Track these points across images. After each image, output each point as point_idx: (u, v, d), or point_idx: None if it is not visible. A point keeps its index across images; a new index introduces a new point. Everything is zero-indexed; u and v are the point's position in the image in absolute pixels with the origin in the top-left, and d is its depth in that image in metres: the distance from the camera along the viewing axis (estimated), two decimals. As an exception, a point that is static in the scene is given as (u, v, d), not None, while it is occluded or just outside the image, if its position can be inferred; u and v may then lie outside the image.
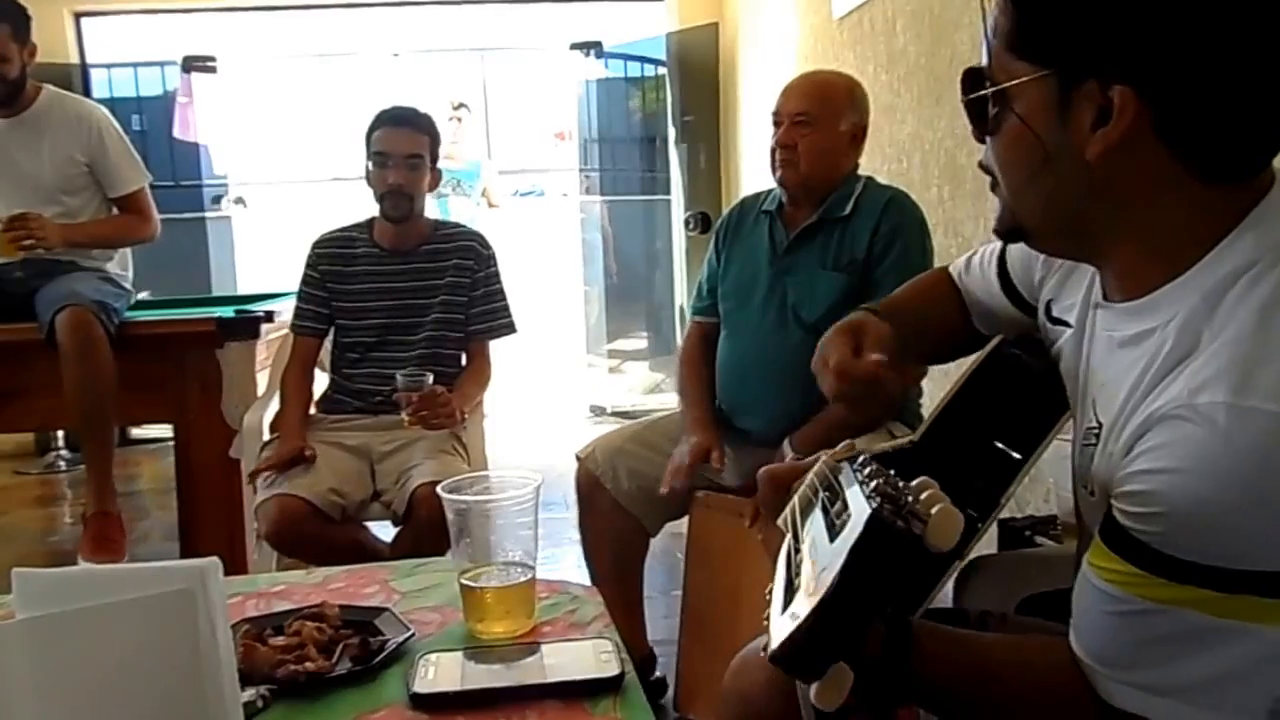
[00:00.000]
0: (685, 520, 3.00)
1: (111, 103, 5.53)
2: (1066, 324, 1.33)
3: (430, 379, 2.99)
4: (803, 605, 0.92)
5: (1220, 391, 0.97)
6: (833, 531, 0.96)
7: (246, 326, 3.57)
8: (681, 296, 7.20)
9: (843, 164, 2.88)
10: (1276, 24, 1.02)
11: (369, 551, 2.90)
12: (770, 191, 3.00)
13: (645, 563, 3.07)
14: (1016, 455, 1.41)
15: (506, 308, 3.37)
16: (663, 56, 7.27)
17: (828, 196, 2.84)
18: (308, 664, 1.40)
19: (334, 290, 3.29)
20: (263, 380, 3.65)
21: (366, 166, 3.27)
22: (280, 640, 1.47)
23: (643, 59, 7.57)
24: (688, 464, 2.77)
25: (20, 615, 1.06)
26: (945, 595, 1.55)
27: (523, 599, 1.56)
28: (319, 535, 2.86)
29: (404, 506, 2.87)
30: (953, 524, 0.94)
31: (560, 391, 7.72)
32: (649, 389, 7.68)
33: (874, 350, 1.48)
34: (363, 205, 3.33)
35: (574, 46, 7.48)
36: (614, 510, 2.92)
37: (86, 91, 6.80)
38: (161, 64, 7.65)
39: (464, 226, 3.50)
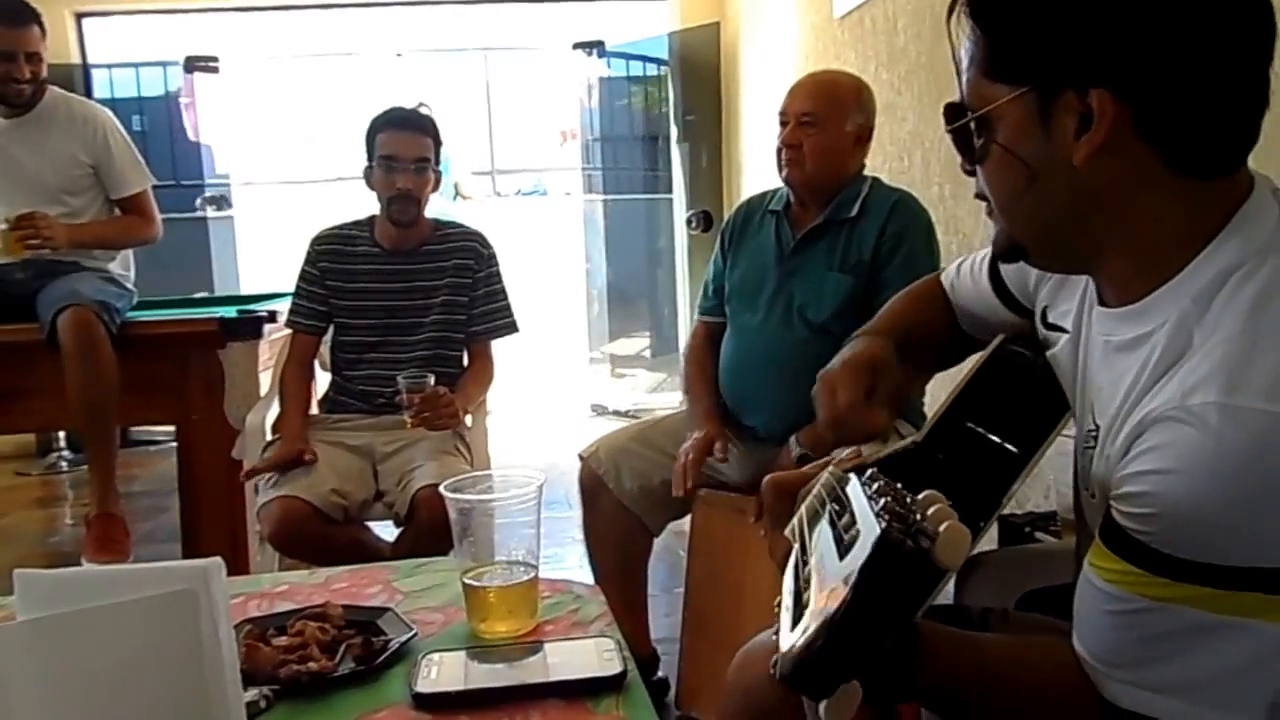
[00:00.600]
0: (688, 518, 3.00)
1: (113, 103, 5.55)
2: (1063, 329, 1.34)
3: (432, 380, 2.99)
4: (813, 624, 0.93)
5: (1211, 392, 0.99)
6: (841, 547, 0.96)
7: (249, 326, 3.57)
8: (684, 295, 7.20)
9: (848, 164, 2.88)
10: (1240, 13, 1.05)
11: (371, 552, 2.90)
12: (776, 191, 3.00)
13: (649, 562, 3.07)
14: (1019, 453, 1.41)
15: (508, 307, 3.36)
16: (665, 56, 7.26)
17: (834, 197, 2.85)
18: (310, 664, 1.40)
19: (333, 288, 3.28)
20: (265, 380, 3.64)
21: (367, 167, 3.27)
22: (283, 640, 1.47)
23: (645, 58, 7.57)
24: (693, 458, 2.77)
25: (22, 616, 1.06)
26: (946, 592, 1.55)
27: (525, 598, 1.56)
28: (321, 536, 2.86)
29: (406, 508, 2.86)
30: (961, 541, 0.95)
31: (562, 390, 7.72)
32: (651, 388, 7.68)
33: (885, 400, 1.50)
34: (365, 205, 3.33)
35: (576, 46, 7.47)
36: (617, 510, 2.92)
37: (88, 92, 6.81)
38: (163, 64, 7.66)
39: (464, 226, 3.49)
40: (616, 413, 7.19)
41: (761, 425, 2.84)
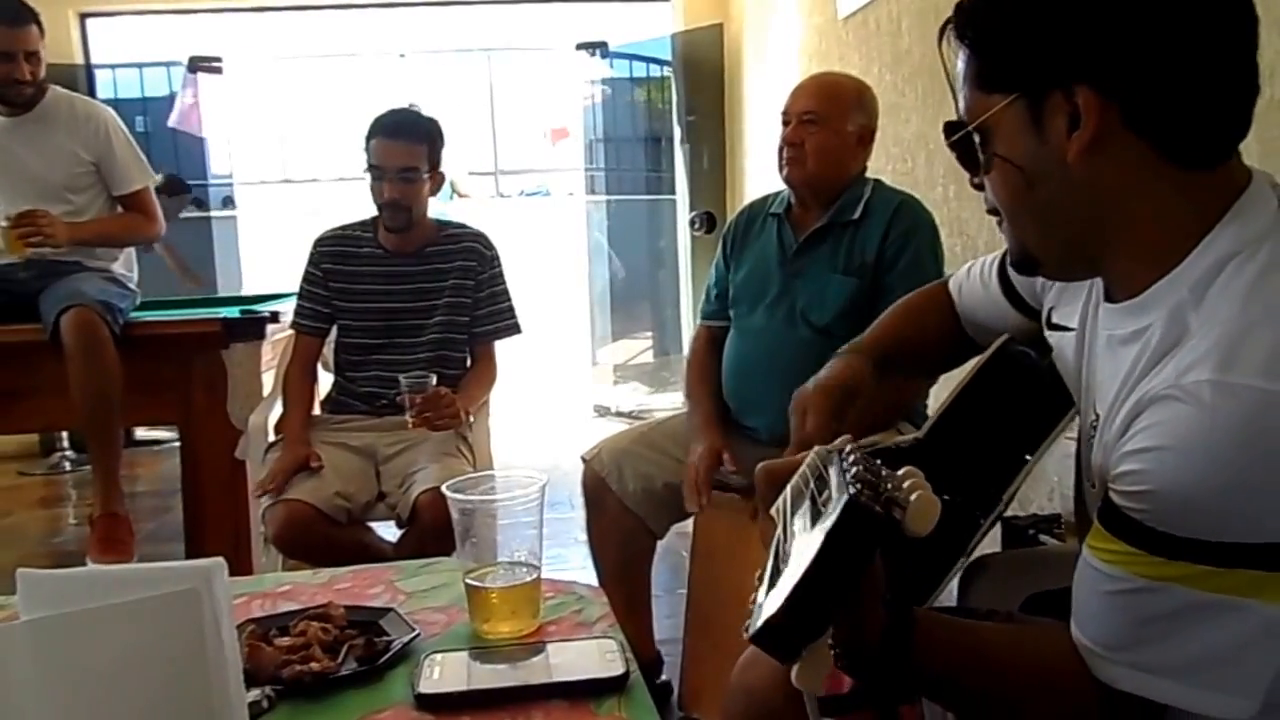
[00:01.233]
0: (690, 520, 3.00)
1: (116, 103, 5.55)
2: (1068, 329, 1.35)
3: (434, 380, 2.99)
4: (782, 588, 0.94)
5: (1206, 370, 1.00)
6: (817, 519, 0.97)
7: (252, 327, 3.57)
8: (686, 296, 7.20)
9: (849, 164, 2.89)
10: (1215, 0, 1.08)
11: (374, 553, 2.91)
12: (779, 194, 3.00)
13: (653, 565, 3.07)
14: (1021, 453, 1.41)
15: (511, 308, 3.36)
16: (668, 57, 7.27)
17: (836, 199, 2.85)
18: (313, 664, 1.40)
19: (336, 289, 3.28)
20: (268, 381, 3.64)
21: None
22: (285, 640, 1.47)
23: (648, 59, 7.57)
24: (704, 474, 2.76)
25: (25, 616, 1.06)
26: (950, 594, 1.55)
27: (528, 599, 1.56)
28: (325, 539, 2.86)
29: (408, 510, 2.87)
30: (930, 510, 0.96)
31: (565, 391, 7.73)
32: (654, 389, 7.68)
33: (856, 422, 1.52)
34: (369, 205, 3.32)
35: (580, 47, 7.48)
36: (620, 512, 2.92)
37: (91, 92, 6.81)
38: (167, 64, 7.66)
39: (468, 227, 3.47)
40: (619, 413, 7.19)
41: (764, 427, 2.83)
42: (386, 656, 1.44)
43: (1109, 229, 1.15)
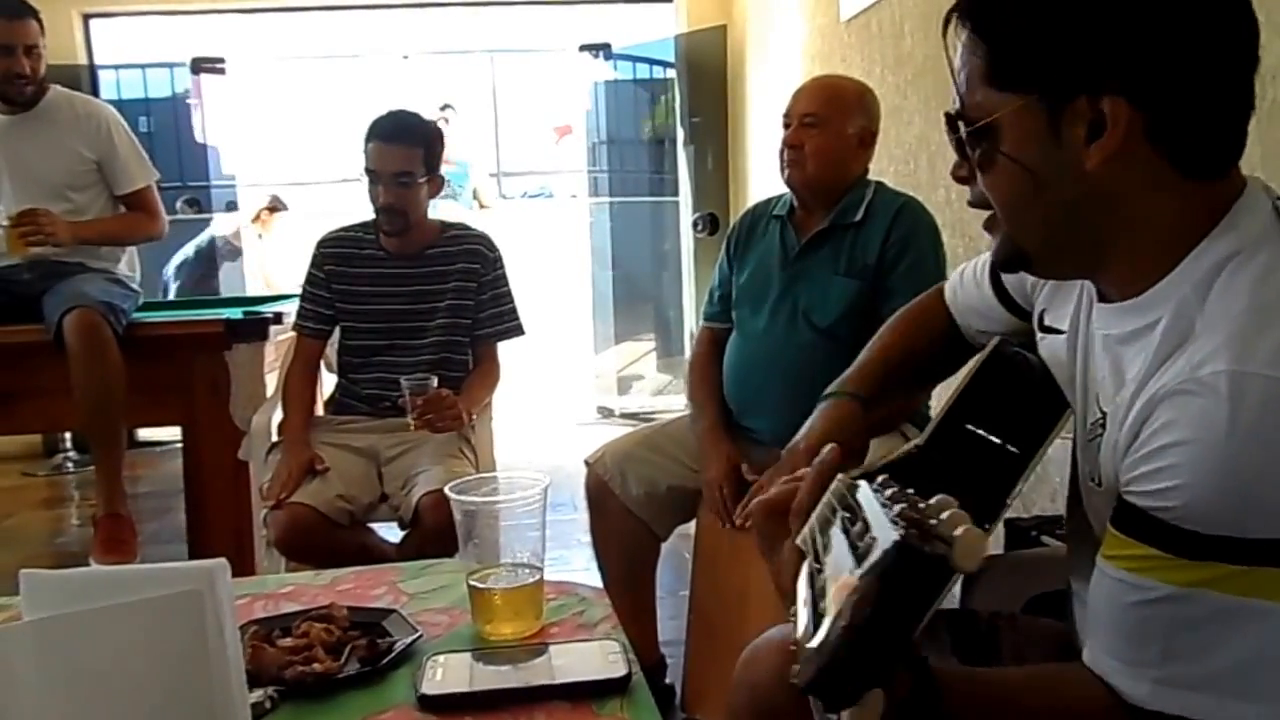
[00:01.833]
0: (693, 521, 3.00)
1: (119, 104, 5.55)
2: (1059, 330, 1.34)
3: (435, 382, 2.99)
4: (834, 633, 0.93)
5: (1221, 361, 0.99)
6: (857, 554, 0.96)
7: (255, 328, 3.56)
8: (689, 298, 7.20)
9: (851, 166, 2.89)
10: (1235, 16, 1.08)
11: (377, 556, 2.91)
12: (781, 196, 3.00)
13: (658, 568, 3.07)
14: (1021, 454, 1.41)
15: (514, 310, 3.36)
16: (671, 58, 7.27)
17: (838, 201, 2.85)
18: (316, 665, 1.40)
19: (338, 291, 3.28)
20: (271, 382, 3.64)
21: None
22: (288, 641, 1.47)
23: (651, 61, 7.58)
24: (729, 494, 2.75)
25: (28, 616, 1.07)
26: (953, 596, 1.55)
27: (531, 600, 1.56)
28: (327, 542, 2.86)
29: (410, 513, 2.87)
30: (978, 545, 0.94)
31: (568, 393, 7.72)
32: (657, 390, 7.68)
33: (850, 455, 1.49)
34: (370, 207, 3.32)
35: (583, 48, 7.48)
36: (624, 515, 2.91)
37: (94, 93, 6.81)
38: (170, 65, 7.66)
39: (471, 229, 3.47)
40: (622, 415, 7.19)
41: (766, 429, 2.83)
42: (389, 657, 1.44)
43: (1110, 233, 1.14)
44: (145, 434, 6.59)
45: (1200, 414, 0.99)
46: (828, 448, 1.19)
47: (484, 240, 3.35)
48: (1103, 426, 1.18)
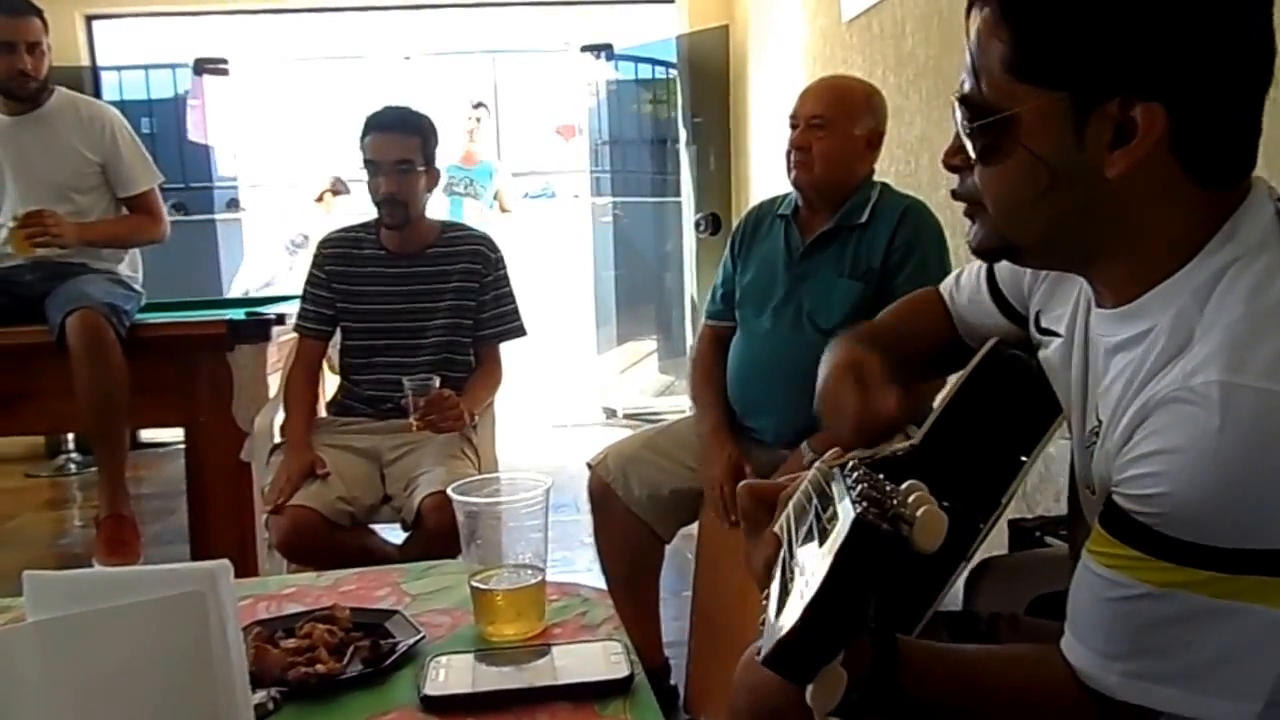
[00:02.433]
0: (696, 523, 3.00)
1: (122, 105, 5.56)
2: (1056, 334, 1.34)
3: (437, 382, 2.99)
4: (794, 609, 0.94)
5: (1214, 371, 0.99)
6: (823, 537, 0.97)
7: (257, 329, 3.56)
8: (692, 298, 7.20)
9: (857, 168, 2.88)
10: (1259, 29, 1.06)
11: (379, 557, 2.91)
12: (786, 196, 3.00)
13: (661, 570, 3.06)
14: (1017, 455, 1.41)
15: (516, 310, 3.36)
16: (673, 59, 7.27)
17: (843, 202, 2.85)
18: (318, 666, 1.40)
19: (339, 291, 3.28)
20: (274, 383, 3.64)
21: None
22: (291, 642, 1.47)
23: (653, 61, 7.58)
24: (729, 490, 2.74)
25: (32, 617, 1.07)
26: (955, 597, 1.55)
27: (533, 601, 1.56)
28: (330, 544, 2.86)
29: (413, 514, 2.87)
30: (937, 526, 0.96)
31: (571, 393, 7.72)
32: (659, 390, 7.68)
33: (880, 391, 1.51)
34: (371, 207, 3.32)
35: (585, 49, 7.49)
36: (627, 518, 2.91)
37: (97, 94, 6.81)
38: (173, 66, 7.67)
39: (472, 229, 3.48)
40: (625, 415, 7.19)
41: (770, 430, 2.83)
42: (392, 658, 1.44)
43: (1113, 236, 1.13)
44: (147, 435, 6.60)
45: (1190, 423, 0.99)
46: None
47: (485, 241, 3.35)
48: (1097, 435, 1.18)
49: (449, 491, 1.59)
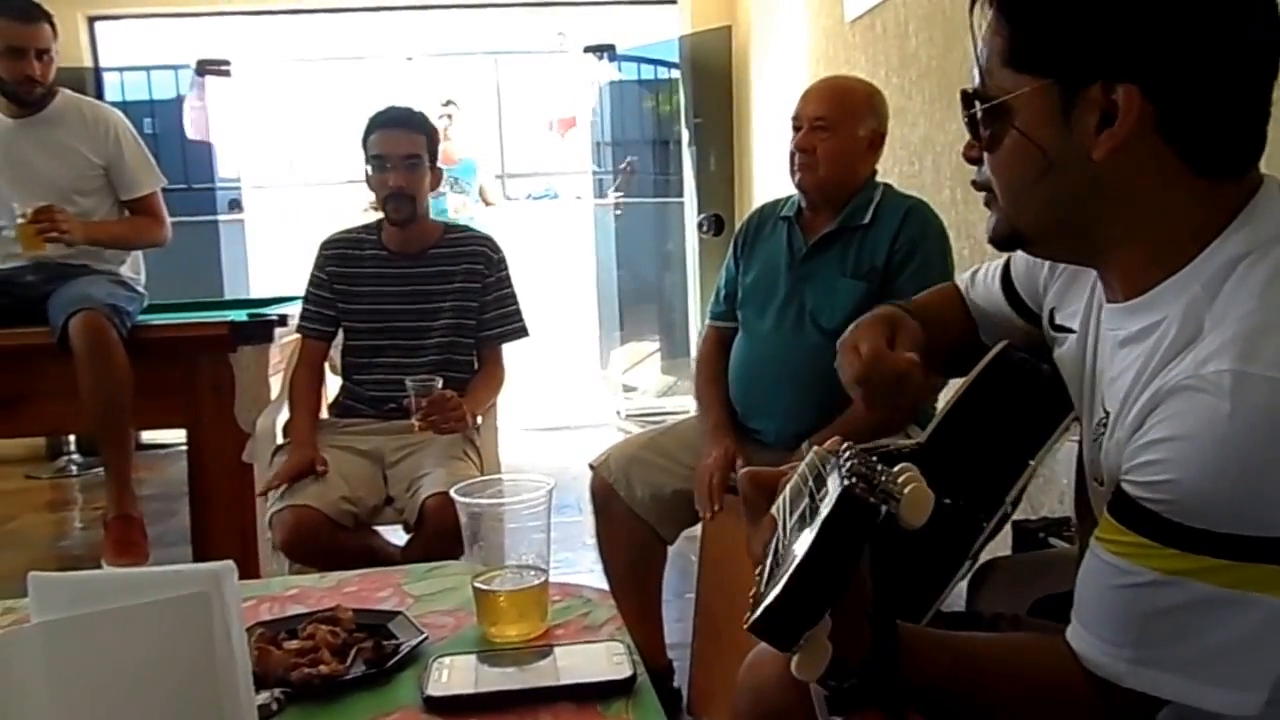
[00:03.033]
0: (700, 524, 3.00)
1: (124, 106, 5.56)
2: (1070, 330, 1.35)
3: (439, 383, 2.99)
4: (780, 579, 0.95)
5: (1226, 360, 1.00)
6: (815, 515, 0.98)
7: (259, 330, 3.57)
8: (695, 299, 7.21)
9: (860, 169, 2.88)
10: (1259, 20, 1.08)
11: (381, 558, 2.91)
12: (789, 198, 3.00)
13: (664, 572, 3.06)
14: (1022, 456, 1.41)
15: (518, 311, 3.36)
16: (676, 59, 7.28)
17: (846, 203, 2.85)
18: (321, 667, 1.40)
19: (341, 292, 3.28)
20: (276, 384, 3.64)
21: (366, 171, 3.26)
22: (294, 643, 1.47)
23: (656, 62, 7.59)
24: (718, 479, 2.75)
25: (36, 619, 1.07)
26: (959, 597, 1.55)
27: (536, 602, 1.56)
28: (332, 544, 2.86)
29: (415, 515, 2.86)
30: (924, 500, 0.97)
31: (573, 394, 7.72)
32: (662, 391, 7.68)
33: (907, 347, 1.51)
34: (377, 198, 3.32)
35: (588, 50, 7.49)
36: (629, 519, 2.91)
37: (99, 95, 6.82)
38: (175, 67, 7.67)
39: (474, 230, 3.49)
40: (628, 416, 7.19)
41: (772, 431, 2.83)
42: (395, 659, 1.44)
43: (1115, 224, 1.15)
44: (149, 436, 6.58)
45: (1201, 411, 1.00)
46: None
47: (488, 242, 3.36)
48: (1105, 426, 1.19)
49: (451, 493, 1.59)
